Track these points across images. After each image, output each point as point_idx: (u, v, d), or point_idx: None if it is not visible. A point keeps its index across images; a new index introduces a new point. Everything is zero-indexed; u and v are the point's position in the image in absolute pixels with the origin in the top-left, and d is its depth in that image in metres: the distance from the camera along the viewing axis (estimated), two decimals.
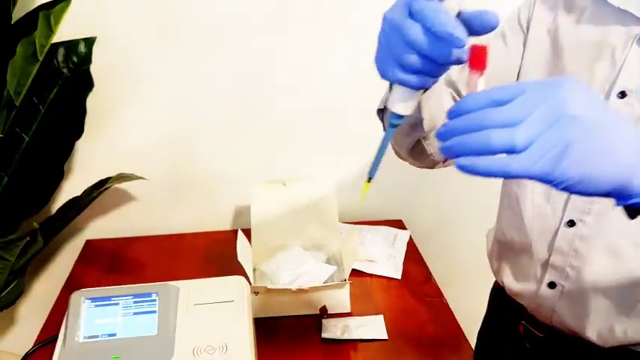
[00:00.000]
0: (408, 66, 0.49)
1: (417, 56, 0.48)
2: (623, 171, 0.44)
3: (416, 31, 0.47)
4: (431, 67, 0.49)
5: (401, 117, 0.53)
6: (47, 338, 1.00)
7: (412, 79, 0.50)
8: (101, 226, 1.37)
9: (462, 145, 0.43)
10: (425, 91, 0.64)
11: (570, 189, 0.43)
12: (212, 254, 1.27)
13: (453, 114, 0.45)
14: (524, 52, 0.78)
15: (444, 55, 0.48)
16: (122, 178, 1.25)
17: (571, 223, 0.72)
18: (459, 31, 0.46)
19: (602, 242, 0.70)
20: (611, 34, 0.67)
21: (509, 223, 0.82)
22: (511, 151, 0.41)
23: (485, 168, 0.42)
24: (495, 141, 0.41)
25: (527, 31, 0.78)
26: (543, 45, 0.76)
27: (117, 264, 1.26)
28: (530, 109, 0.42)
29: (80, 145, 1.21)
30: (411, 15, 0.48)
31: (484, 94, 0.44)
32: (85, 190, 1.23)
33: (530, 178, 0.42)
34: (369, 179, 0.56)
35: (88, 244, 1.34)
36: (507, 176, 0.42)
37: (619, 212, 0.50)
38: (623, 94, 0.66)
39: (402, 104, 0.53)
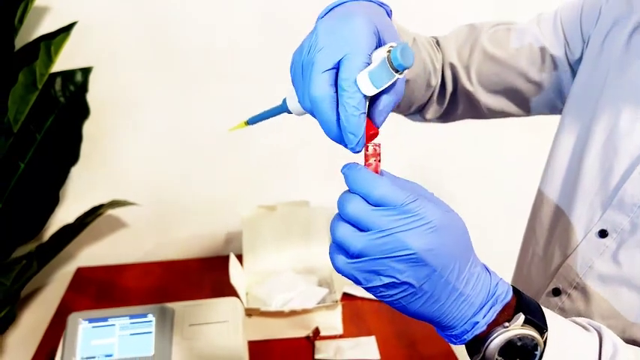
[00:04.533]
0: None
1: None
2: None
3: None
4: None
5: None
6: None
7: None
8: (93, 253, 1.38)
9: None
10: None
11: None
12: (205, 280, 1.28)
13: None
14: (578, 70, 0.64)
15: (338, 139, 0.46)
16: (115, 204, 1.27)
17: (556, 292, 0.66)
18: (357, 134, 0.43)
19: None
20: None
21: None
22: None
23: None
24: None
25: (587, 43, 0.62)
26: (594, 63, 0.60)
27: (109, 291, 1.26)
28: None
29: (74, 171, 1.23)
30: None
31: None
32: (78, 217, 1.24)
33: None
34: (247, 123, 0.56)
35: (80, 271, 1.34)
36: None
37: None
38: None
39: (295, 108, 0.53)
